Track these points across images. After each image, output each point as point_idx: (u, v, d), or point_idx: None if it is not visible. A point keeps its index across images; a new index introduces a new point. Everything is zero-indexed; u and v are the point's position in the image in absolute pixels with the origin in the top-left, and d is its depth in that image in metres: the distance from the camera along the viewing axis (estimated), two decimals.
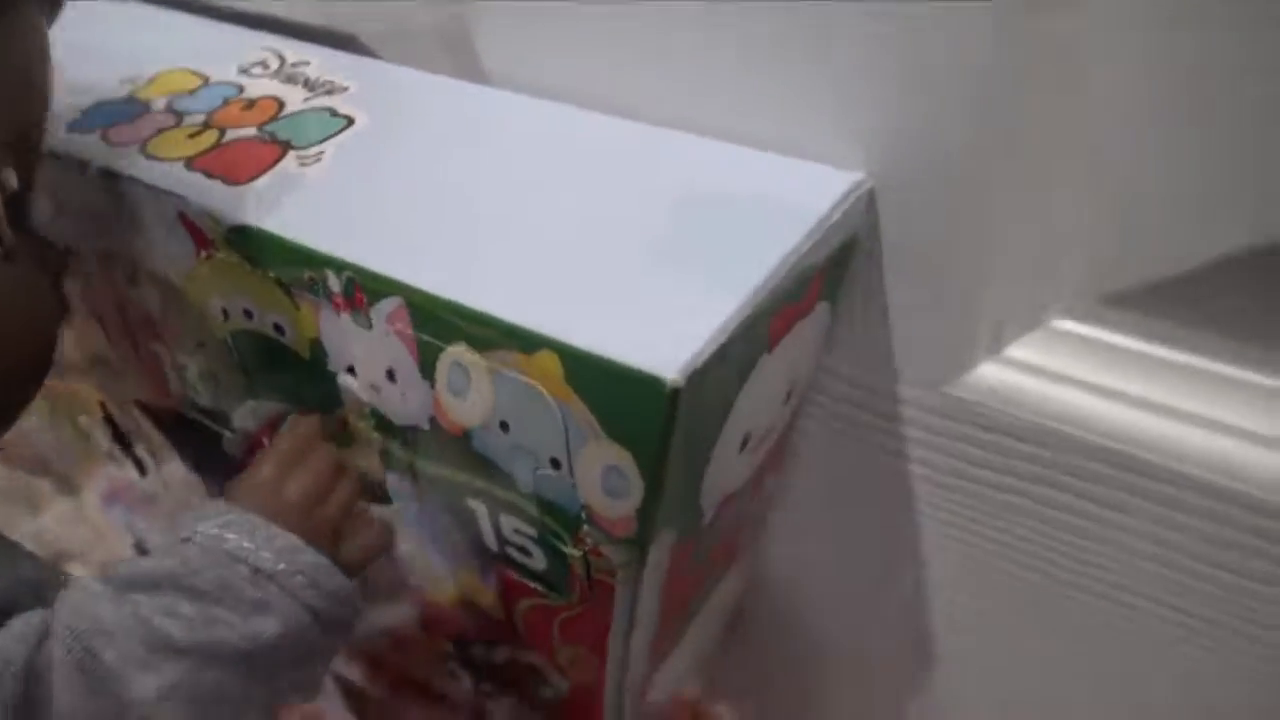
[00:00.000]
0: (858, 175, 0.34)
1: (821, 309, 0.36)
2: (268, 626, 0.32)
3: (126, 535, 0.70)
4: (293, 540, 0.33)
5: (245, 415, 0.44)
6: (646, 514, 0.31)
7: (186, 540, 0.33)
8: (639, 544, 0.32)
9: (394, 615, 0.48)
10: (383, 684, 0.58)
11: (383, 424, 0.37)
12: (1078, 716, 0.46)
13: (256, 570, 0.32)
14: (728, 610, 0.51)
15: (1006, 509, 0.39)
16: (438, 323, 0.31)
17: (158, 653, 0.30)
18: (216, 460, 0.50)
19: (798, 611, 0.53)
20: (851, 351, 0.39)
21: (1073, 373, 0.35)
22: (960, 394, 0.37)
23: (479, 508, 0.36)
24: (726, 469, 0.35)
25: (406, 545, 0.42)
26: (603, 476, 0.31)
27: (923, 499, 0.42)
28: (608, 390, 0.28)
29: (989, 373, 0.36)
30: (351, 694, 0.63)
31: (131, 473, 0.60)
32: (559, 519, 0.33)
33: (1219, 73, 0.27)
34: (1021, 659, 0.46)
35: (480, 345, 0.30)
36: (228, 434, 0.46)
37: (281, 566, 0.33)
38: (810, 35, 0.33)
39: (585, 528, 0.33)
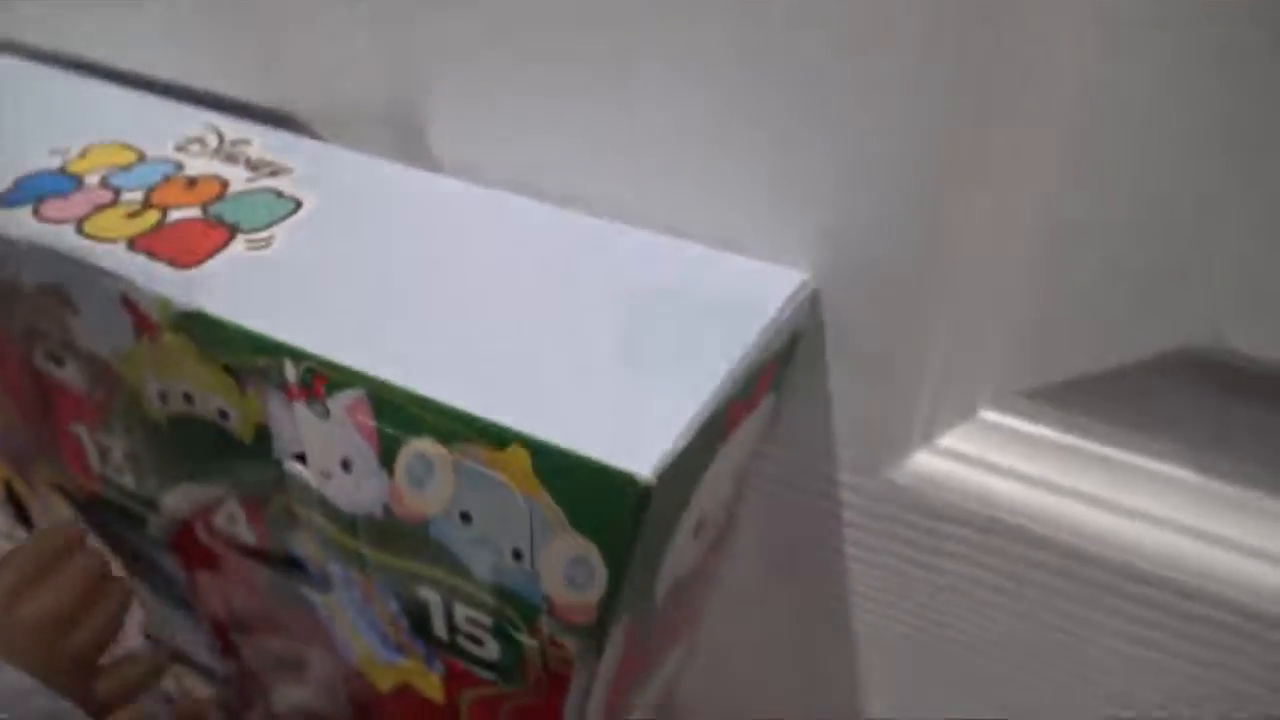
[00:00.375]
0: (804, 275, 0.36)
1: (768, 401, 0.37)
2: None
3: None
4: (20, 681, 0.28)
5: (178, 498, 0.42)
6: (609, 604, 0.31)
7: None
8: (598, 633, 0.33)
9: (323, 704, 0.47)
10: None
11: (329, 511, 0.36)
12: None
13: None
14: (665, 688, 0.51)
15: (937, 589, 0.41)
16: (402, 415, 0.31)
17: None
18: (138, 548, 0.48)
19: (732, 687, 0.54)
20: (792, 438, 0.41)
21: (999, 461, 0.38)
22: (894, 479, 0.39)
23: (432, 597, 0.36)
24: (680, 555, 0.36)
25: (345, 633, 0.41)
26: (567, 569, 0.31)
27: (855, 578, 0.43)
28: (578, 485, 0.29)
29: (922, 460, 0.39)
30: None
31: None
32: (517, 609, 0.34)
33: (1144, 178, 0.30)
34: None
35: (446, 438, 0.31)
36: (153, 518, 0.44)
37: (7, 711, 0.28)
38: (750, 135, 0.35)
39: (543, 618, 0.33)
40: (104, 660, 0.34)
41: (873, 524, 0.41)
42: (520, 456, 0.30)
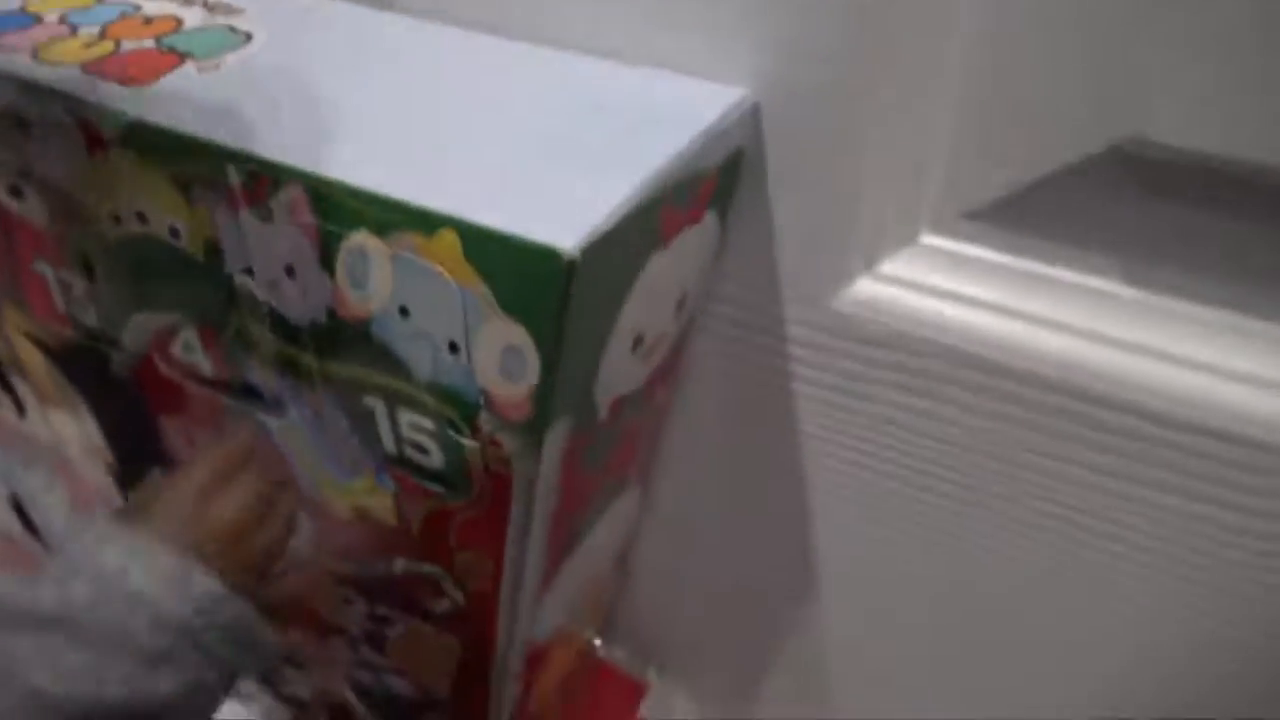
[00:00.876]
0: (744, 91, 0.36)
1: (710, 220, 0.38)
2: (163, 684, 0.28)
3: (1, 485, 0.67)
4: (212, 587, 0.29)
5: (135, 331, 0.43)
6: (543, 396, 0.32)
7: (76, 569, 0.28)
8: (535, 430, 0.34)
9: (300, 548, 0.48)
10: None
11: (279, 324, 0.37)
12: (967, 638, 0.49)
13: (159, 618, 0.27)
14: (618, 542, 0.52)
15: (885, 421, 0.42)
16: (339, 209, 0.32)
17: (31, 710, 0.26)
18: (113, 397, 0.49)
19: (688, 547, 0.55)
20: (739, 270, 0.41)
21: (942, 285, 0.38)
22: (839, 308, 0.40)
23: (377, 405, 0.37)
24: (620, 368, 0.36)
25: (302, 461, 0.43)
26: (500, 357, 0.32)
27: (807, 417, 0.44)
28: (506, 266, 0.30)
29: (865, 288, 0.39)
30: None
31: (8, 412, 0.58)
32: (457, 407, 0.34)
33: None
34: (908, 577, 0.48)
35: (381, 229, 0.31)
36: (115, 355, 0.45)
37: (195, 618, 0.28)
38: None
39: (483, 415, 0.34)
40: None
41: (820, 357, 0.42)
42: (450, 241, 0.30)
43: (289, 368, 0.39)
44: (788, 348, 0.42)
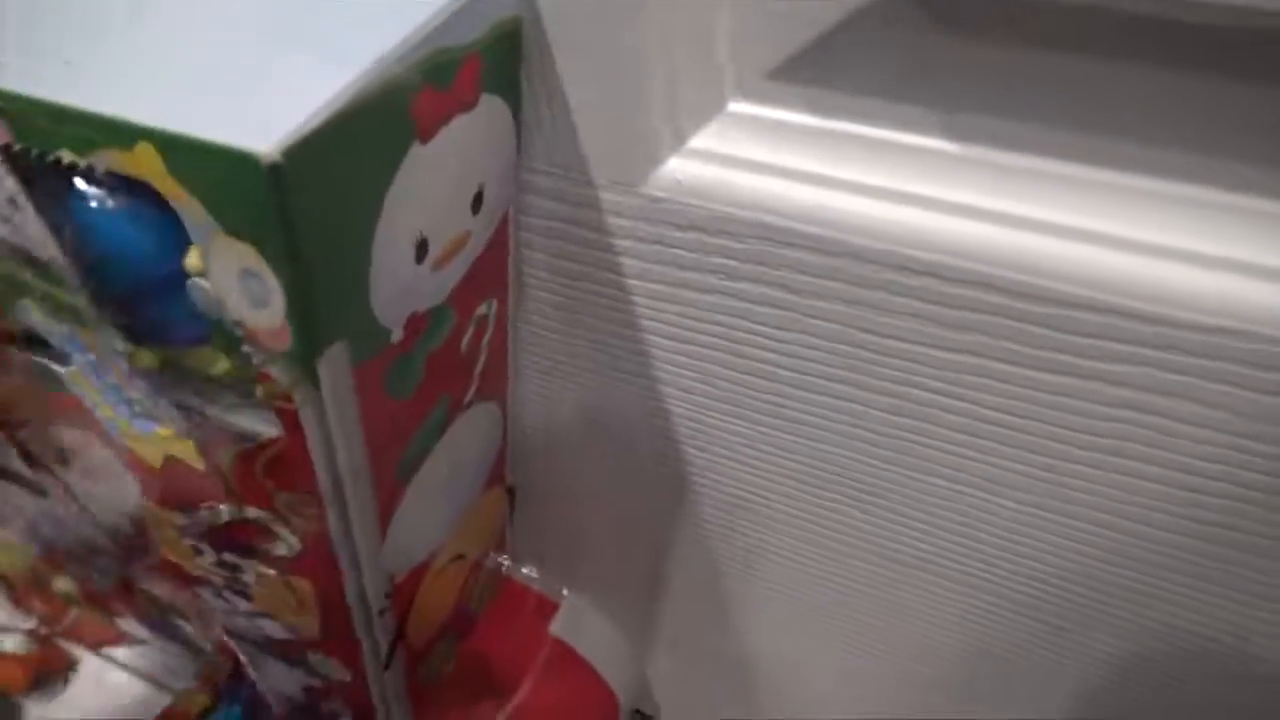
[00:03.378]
0: None
1: (490, 104, 0.34)
2: None
3: None
4: None
5: None
6: (297, 321, 0.29)
7: None
8: (302, 359, 0.30)
9: (120, 495, 0.45)
10: (148, 578, 0.55)
11: (28, 263, 0.34)
12: (839, 525, 0.47)
13: None
14: (479, 461, 0.50)
15: (716, 310, 0.39)
16: (37, 130, 0.28)
17: None
18: None
19: (561, 462, 0.53)
20: (544, 157, 0.38)
21: (754, 156, 0.35)
22: (652, 192, 0.36)
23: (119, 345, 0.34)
24: (403, 278, 0.33)
25: (101, 410, 0.39)
26: (240, 282, 0.29)
27: (643, 313, 0.41)
28: (213, 179, 0.26)
29: (676, 167, 0.36)
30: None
31: None
32: (224, 339, 0.31)
33: None
34: (776, 470, 0.46)
35: (80, 148, 0.28)
36: None
37: None
38: None
39: (245, 348, 0.31)
40: None
41: (642, 248, 0.39)
42: (150, 155, 0.27)
43: (57, 311, 0.36)
44: (610, 240, 0.39)
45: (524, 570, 0.65)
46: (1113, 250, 0.31)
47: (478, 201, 0.36)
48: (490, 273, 0.40)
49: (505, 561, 0.64)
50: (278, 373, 0.31)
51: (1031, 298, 0.32)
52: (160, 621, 0.62)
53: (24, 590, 0.74)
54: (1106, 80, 0.29)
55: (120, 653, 0.75)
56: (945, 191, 0.33)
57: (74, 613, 0.73)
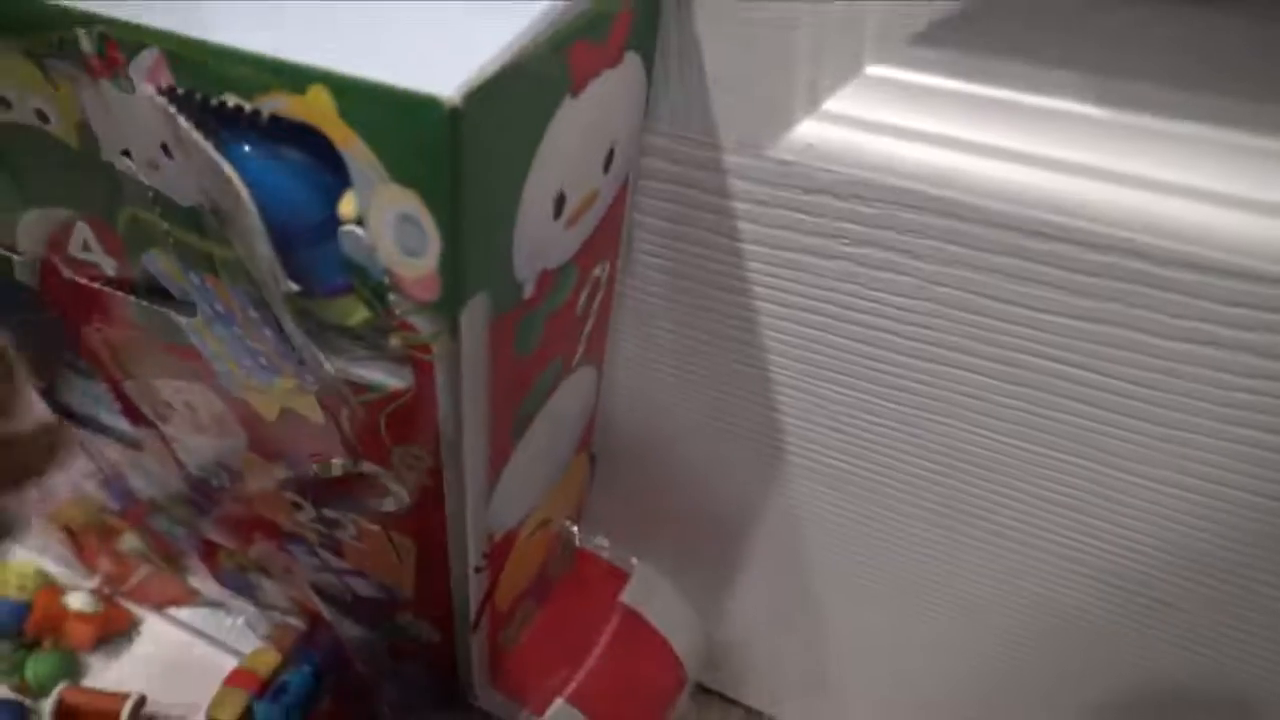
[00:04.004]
0: None
1: (632, 62, 0.34)
2: None
3: None
4: None
5: (28, 231, 0.40)
6: (449, 271, 0.29)
7: None
8: (447, 309, 0.31)
9: (223, 448, 0.46)
10: (233, 533, 0.56)
11: (169, 211, 0.34)
12: (944, 503, 0.47)
13: None
14: (576, 425, 0.50)
15: (842, 278, 0.39)
16: (201, 72, 0.28)
17: None
18: (23, 310, 0.46)
19: (652, 429, 0.53)
20: (670, 119, 0.37)
21: (892, 120, 0.35)
22: (781, 155, 0.36)
23: (293, 286, 0.34)
24: (541, 233, 0.33)
25: (220, 361, 0.40)
26: (397, 230, 0.29)
27: (758, 279, 0.41)
28: (386, 123, 0.26)
29: (808, 130, 0.36)
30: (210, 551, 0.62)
31: None
32: (367, 289, 0.31)
33: None
34: (879, 443, 0.46)
35: (249, 92, 0.28)
36: (16, 259, 0.42)
37: None
38: None
39: (391, 297, 0.31)
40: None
41: (765, 212, 0.38)
42: (322, 98, 0.27)
43: (191, 259, 0.36)
44: (730, 204, 0.39)
45: (596, 539, 0.66)
46: (1264, 216, 0.31)
47: (609, 160, 0.36)
48: (608, 234, 0.40)
49: (577, 530, 0.64)
50: (420, 322, 0.32)
51: (1178, 264, 0.32)
52: (239, 578, 0.63)
53: (90, 547, 0.75)
54: (1264, 42, 0.29)
55: (184, 613, 0.76)
56: (1085, 155, 0.33)
57: (142, 571, 0.74)
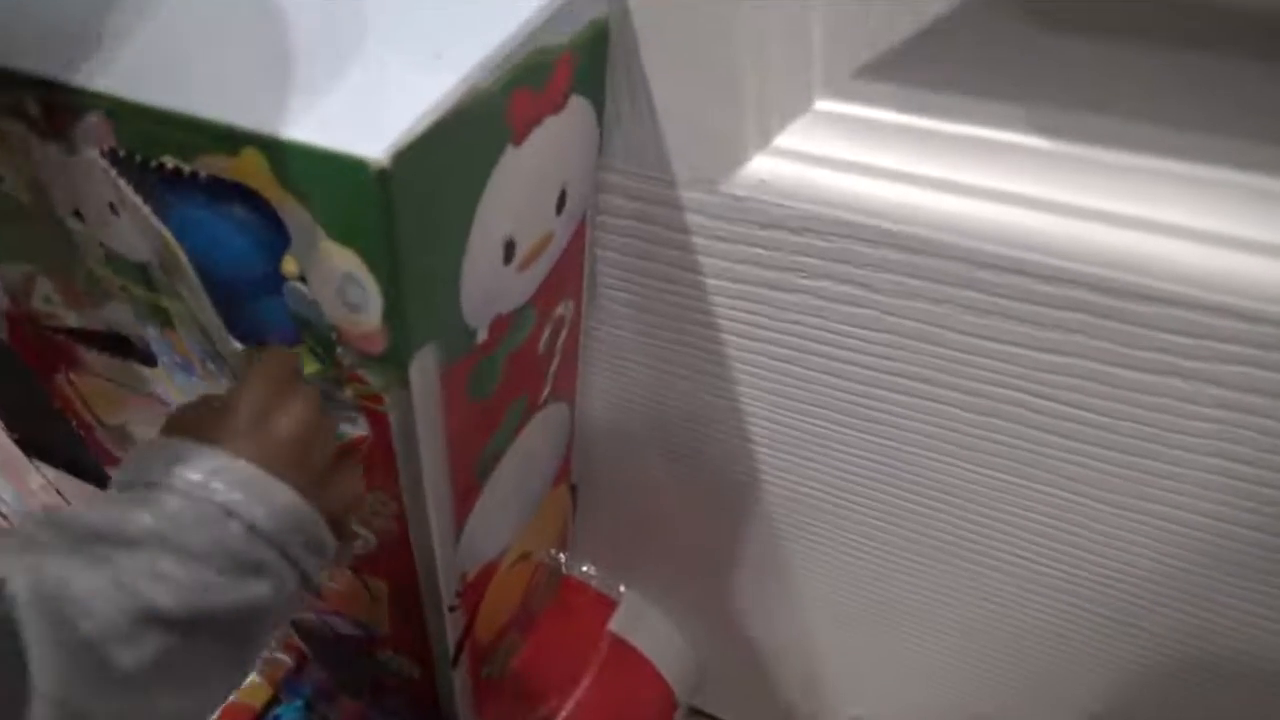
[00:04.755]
0: None
1: (578, 105, 0.34)
2: (261, 591, 0.29)
3: None
4: (291, 498, 0.29)
5: None
6: (394, 324, 0.29)
7: (159, 487, 0.28)
8: (395, 361, 0.31)
9: None
10: None
11: (121, 266, 0.34)
12: (915, 521, 0.47)
13: (252, 529, 0.28)
14: (550, 461, 0.50)
15: (796, 309, 0.39)
16: (141, 135, 0.28)
17: (142, 624, 0.26)
18: None
19: (629, 462, 0.53)
20: (625, 158, 0.37)
21: (840, 155, 0.34)
22: (734, 190, 0.36)
23: (237, 345, 0.34)
24: (491, 280, 0.33)
25: None
26: (340, 287, 0.29)
27: (720, 313, 0.41)
28: (319, 184, 0.26)
29: (760, 166, 0.35)
30: None
31: None
32: (317, 343, 0.31)
33: None
34: (849, 467, 0.46)
35: (186, 153, 0.28)
36: None
37: (279, 527, 0.29)
38: None
39: (339, 349, 0.31)
40: None
41: (722, 247, 0.38)
42: (256, 161, 0.27)
43: (145, 312, 0.36)
44: (689, 239, 0.39)
45: (583, 568, 0.66)
46: (1217, 247, 0.30)
47: (561, 202, 0.36)
48: (568, 273, 0.40)
49: (564, 559, 0.64)
50: (370, 375, 0.32)
51: (1132, 296, 0.32)
52: None
53: None
54: (1209, 75, 0.29)
55: None
56: (1033, 188, 0.33)
57: None
